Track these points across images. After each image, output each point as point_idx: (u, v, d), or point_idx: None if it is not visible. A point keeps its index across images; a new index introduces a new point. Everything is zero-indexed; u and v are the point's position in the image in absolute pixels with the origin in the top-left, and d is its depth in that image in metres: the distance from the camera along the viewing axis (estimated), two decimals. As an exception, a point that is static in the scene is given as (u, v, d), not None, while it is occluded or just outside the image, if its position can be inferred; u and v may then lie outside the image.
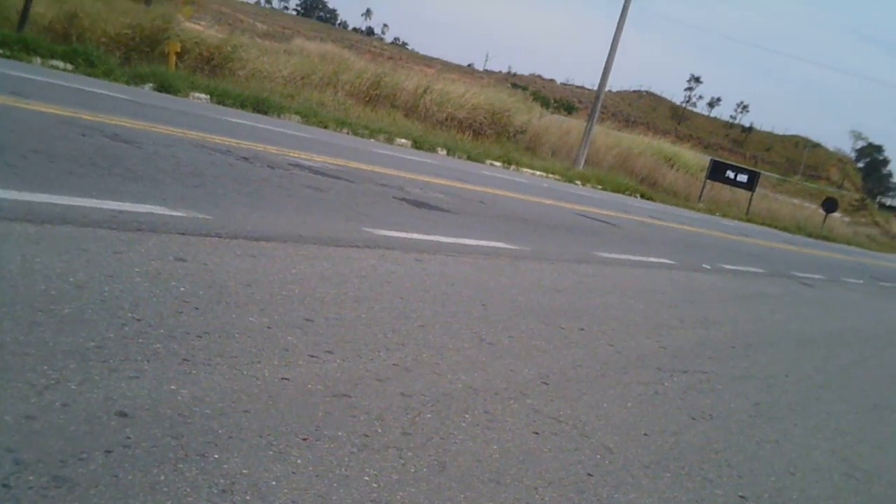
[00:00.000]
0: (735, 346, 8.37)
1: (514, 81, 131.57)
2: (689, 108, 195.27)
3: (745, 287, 13.88)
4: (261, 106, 22.04)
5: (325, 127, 22.91)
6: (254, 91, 23.69)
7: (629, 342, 7.07)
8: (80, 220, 5.72)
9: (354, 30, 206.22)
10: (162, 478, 2.88)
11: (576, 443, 4.34)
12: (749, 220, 48.13)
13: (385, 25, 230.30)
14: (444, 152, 27.09)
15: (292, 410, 3.67)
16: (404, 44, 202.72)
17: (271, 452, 3.25)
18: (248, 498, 2.92)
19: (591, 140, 41.61)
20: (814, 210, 74.41)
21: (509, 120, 37.43)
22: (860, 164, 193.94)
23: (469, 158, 27.89)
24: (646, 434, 4.81)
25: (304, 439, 3.43)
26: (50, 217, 5.59)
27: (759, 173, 58.06)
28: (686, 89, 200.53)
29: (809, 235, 55.51)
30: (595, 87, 43.26)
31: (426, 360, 4.90)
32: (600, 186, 34.85)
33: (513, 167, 30.17)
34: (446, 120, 33.73)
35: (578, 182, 33.41)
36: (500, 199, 16.00)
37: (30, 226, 5.26)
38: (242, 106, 21.35)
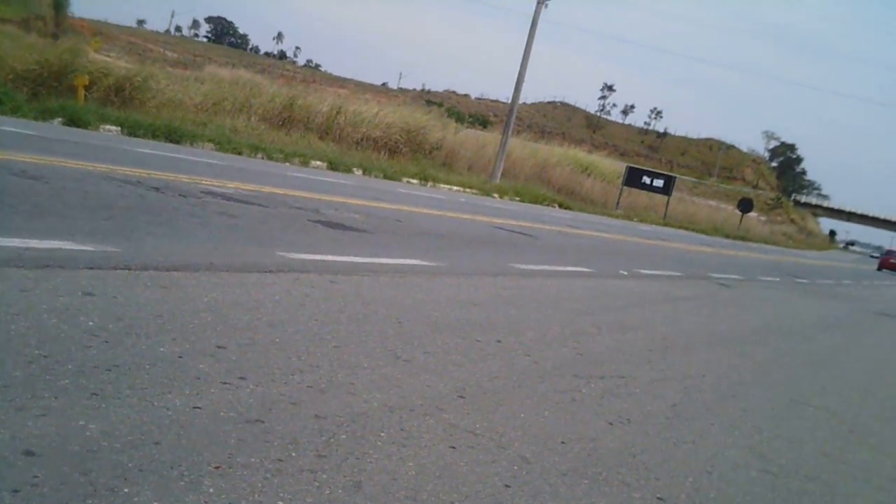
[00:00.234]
0: (652, 349, 8.46)
1: (428, 98, 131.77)
2: (604, 116, 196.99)
3: (662, 291, 14.06)
4: (173, 135, 21.84)
5: (240, 153, 22.78)
6: (165, 120, 23.45)
7: (546, 351, 7.12)
8: (-15, 260, 5.64)
9: (266, 54, 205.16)
10: (70, 515, 2.86)
11: (493, 455, 4.36)
12: (667, 224, 48.79)
13: (297, 48, 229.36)
14: (361, 172, 27.07)
15: (204, 439, 3.65)
16: (317, 66, 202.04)
17: (183, 483, 3.23)
18: (158, 530, 2.91)
19: (508, 153, 41.89)
20: (730, 211, 75.58)
21: (424, 137, 37.52)
22: (774, 164, 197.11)
23: (385, 177, 27.90)
24: (563, 442, 4.84)
25: (217, 468, 3.42)
26: (-47, 258, 5.51)
27: (675, 177, 58.90)
28: (600, 98, 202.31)
29: (727, 236, 56.46)
30: (509, 101, 43.44)
31: (341, 380, 4.90)
32: (518, 198, 35.07)
33: (430, 184, 30.24)
34: (361, 140, 33.71)
35: (496, 195, 33.60)
36: (416, 217, 16.05)
37: (-68, 268, 5.18)
38: (154, 136, 21.14)
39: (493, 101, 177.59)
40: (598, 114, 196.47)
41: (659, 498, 4.38)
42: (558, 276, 12.50)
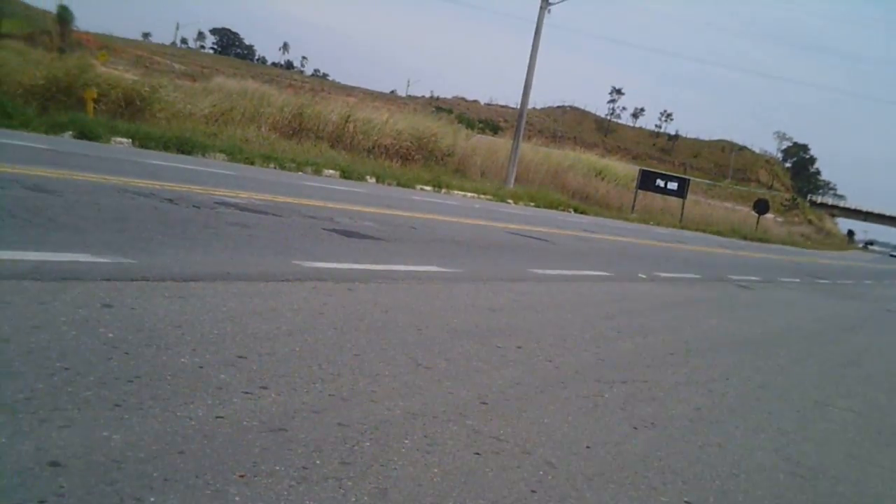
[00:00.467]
0: (674, 352, 8.42)
1: (437, 105, 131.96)
2: (614, 120, 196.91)
3: (681, 294, 14.02)
4: (184, 146, 21.88)
5: (252, 163, 22.80)
6: (176, 132, 23.48)
7: (567, 356, 7.09)
8: (2, 273, 5.64)
9: (273, 65, 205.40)
10: (97, 526, 2.84)
11: (518, 460, 4.33)
12: (683, 227, 48.69)
13: (304, 58, 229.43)
14: (374, 180, 27.08)
15: (228, 448, 3.63)
16: (325, 75, 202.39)
17: (208, 492, 3.22)
18: (186, 539, 2.89)
19: (520, 158, 41.94)
20: (746, 212, 75.39)
21: (436, 144, 37.57)
22: (787, 164, 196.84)
23: (399, 185, 27.90)
24: (588, 447, 4.81)
25: (242, 476, 3.40)
26: (-30, 272, 5.50)
27: (689, 180, 58.87)
28: (609, 102, 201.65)
29: (744, 238, 56.31)
30: (518, 106, 43.46)
31: (362, 388, 4.87)
32: (533, 204, 35.05)
33: (443, 190, 30.23)
34: (373, 148, 33.77)
35: (510, 201, 33.58)
36: (431, 224, 16.04)
37: (-50, 282, 5.18)
38: (166, 147, 21.19)
39: (502, 106, 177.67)
40: (608, 117, 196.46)
41: (686, 501, 4.35)
42: (577, 280, 12.46)
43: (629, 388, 6.44)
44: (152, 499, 3.07)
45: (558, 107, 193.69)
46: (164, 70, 74.94)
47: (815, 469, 5.49)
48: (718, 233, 53.84)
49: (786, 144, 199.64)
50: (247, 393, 4.35)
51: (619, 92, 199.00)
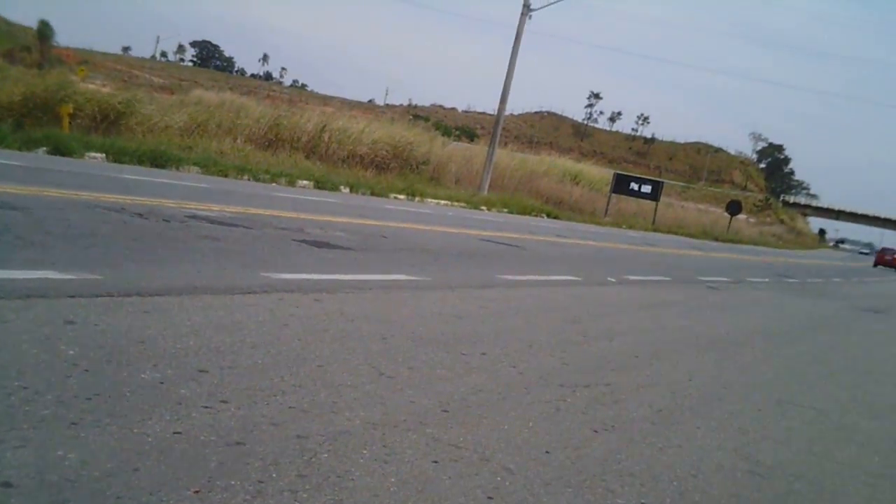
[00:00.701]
0: (638, 355, 8.49)
1: (415, 113, 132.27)
2: (591, 124, 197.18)
3: (650, 296, 14.10)
4: (158, 160, 21.83)
5: (226, 175, 22.77)
6: (151, 145, 23.40)
7: (532, 362, 7.14)
8: (-35, 293, 5.65)
9: (253, 76, 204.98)
10: (47, 545, 2.87)
11: (475, 467, 4.37)
12: (655, 230, 48.91)
13: (283, 69, 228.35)
14: (348, 190, 27.08)
15: (184, 464, 3.66)
16: (303, 85, 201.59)
17: (161, 508, 3.25)
18: (136, 556, 2.92)
19: (495, 164, 41.97)
20: (719, 214, 75.83)
21: (411, 152, 37.59)
22: (762, 165, 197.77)
23: (373, 194, 27.90)
24: (547, 452, 4.85)
25: (196, 492, 3.43)
26: (-67, 292, 5.52)
27: (663, 182, 59.18)
28: (587, 106, 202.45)
29: (716, 239, 56.62)
30: (496, 113, 43.54)
31: (323, 400, 4.90)
32: (506, 210, 35.14)
33: (417, 199, 30.24)
34: (348, 157, 33.77)
35: (484, 207, 33.66)
36: (402, 232, 16.08)
37: (-89, 303, 5.19)
38: (140, 161, 21.13)
39: (479, 113, 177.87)
40: (586, 122, 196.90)
41: (643, 503, 4.40)
42: (546, 285, 12.53)
43: (592, 392, 6.50)
44: (104, 516, 3.10)
45: (536, 112, 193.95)
46: (143, 84, 74.85)
47: (773, 467, 5.54)
48: (690, 235, 54.16)
49: (761, 145, 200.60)
50: (206, 407, 4.38)
51: (597, 96, 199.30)
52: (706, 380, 8.02)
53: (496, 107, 43.04)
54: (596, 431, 5.46)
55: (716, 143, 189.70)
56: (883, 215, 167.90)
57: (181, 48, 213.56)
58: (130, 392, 4.37)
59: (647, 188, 54.29)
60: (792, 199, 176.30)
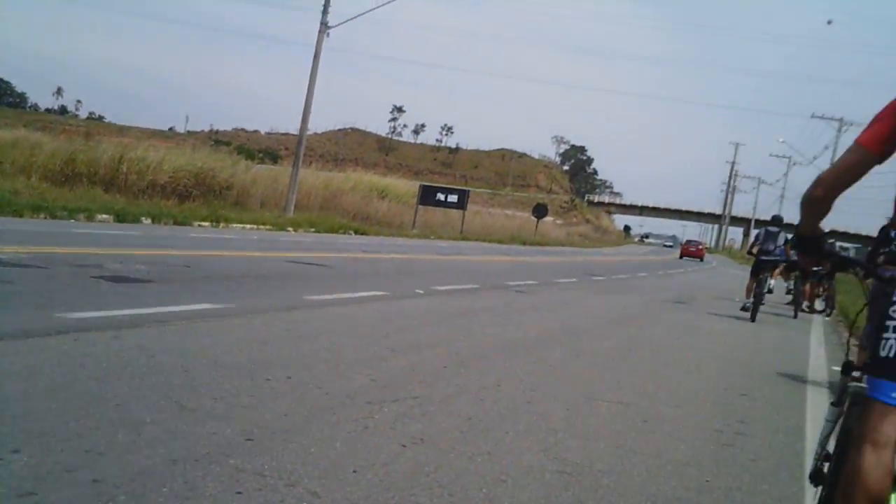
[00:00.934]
0: (447, 365, 8.58)
1: (217, 139, 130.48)
2: (396, 138, 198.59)
3: (458, 305, 14.25)
4: (-56, 207, 20.92)
5: (20, 215, 21.94)
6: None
7: (338, 382, 7.14)
8: None
9: (48, 110, 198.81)
10: None
11: (281, 494, 4.35)
12: (464, 238, 49.46)
13: (79, 101, 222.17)
14: (150, 221, 26.45)
15: (-30, 521, 3.55)
16: (101, 117, 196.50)
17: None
18: None
19: (300, 184, 41.89)
20: (526, 218, 77.19)
21: (214, 178, 37.09)
22: (566, 167, 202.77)
23: (176, 223, 27.32)
24: (355, 471, 4.86)
25: (-17, 548, 3.34)
26: None
27: (468, 191, 59.96)
28: (391, 120, 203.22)
29: (524, 243, 57.71)
30: (298, 132, 43.39)
31: (121, 440, 4.80)
32: (313, 229, 35.02)
33: (222, 225, 29.78)
34: (148, 188, 33.05)
35: (291, 229, 33.45)
36: (206, 260, 15.85)
37: None
38: (-80, 211, 20.23)
39: (283, 134, 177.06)
40: (390, 136, 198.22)
41: (448, 513, 4.46)
42: (353, 302, 12.54)
43: (400, 407, 6.55)
44: None
45: (340, 129, 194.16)
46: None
47: (580, 465, 5.68)
48: (499, 241, 55.07)
49: (564, 148, 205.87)
50: (-4, 459, 4.25)
51: (400, 110, 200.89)
52: (515, 384, 8.16)
53: (299, 127, 42.94)
54: (405, 446, 5.51)
55: (520, 149, 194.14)
56: (684, 208, 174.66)
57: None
58: (-88, 450, 4.21)
59: (453, 198, 54.98)
60: (596, 199, 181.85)
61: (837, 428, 3.90)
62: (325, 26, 41.22)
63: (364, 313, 11.63)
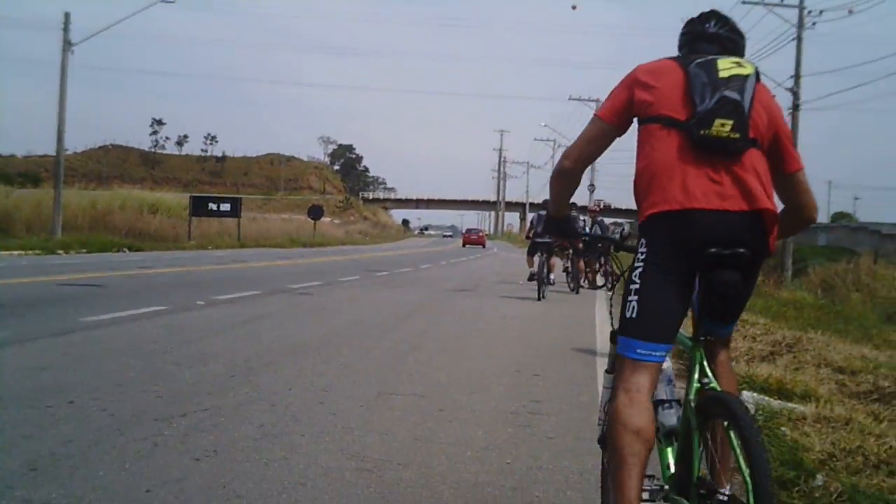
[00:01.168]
0: (234, 374, 8.40)
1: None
2: (159, 151, 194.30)
3: (241, 313, 13.96)
4: None
5: None
6: None
7: (123, 401, 6.88)
8: None
9: None
10: None
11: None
12: (243, 246, 49.12)
13: None
14: None
15: None
16: None
17: None
18: None
19: (65, 206, 40.90)
20: (303, 220, 77.12)
21: (-32, 210, 35.58)
22: (336, 167, 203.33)
23: (-68, 256, 26.02)
24: (148, 490, 4.68)
25: None
26: None
27: (241, 198, 59.71)
28: (152, 133, 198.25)
29: (304, 246, 57.71)
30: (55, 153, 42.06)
31: None
32: (85, 250, 34.00)
33: (-16, 256, 28.51)
34: None
35: (61, 251, 32.38)
36: (-30, 291, 15.05)
37: None
38: None
39: (41, 156, 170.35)
40: (153, 150, 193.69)
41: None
42: (132, 320, 12.10)
43: (190, 420, 6.35)
44: None
45: (101, 147, 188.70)
46: None
47: (380, 460, 5.61)
48: (279, 245, 54.90)
49: (331, 148, 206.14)
50: None
51: (160, 122, 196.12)
52: (306, 386, 8.05)
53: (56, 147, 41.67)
54: (198, 460, 5.33)
55: (288, 153, 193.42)
56: (460, 198, 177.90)
57: None
58: None
59: (226, 206, 54.54)
60: (371, 196, 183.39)
61: None
62: (68, 44, 40.41)
63: (144, 330, 11.22)
